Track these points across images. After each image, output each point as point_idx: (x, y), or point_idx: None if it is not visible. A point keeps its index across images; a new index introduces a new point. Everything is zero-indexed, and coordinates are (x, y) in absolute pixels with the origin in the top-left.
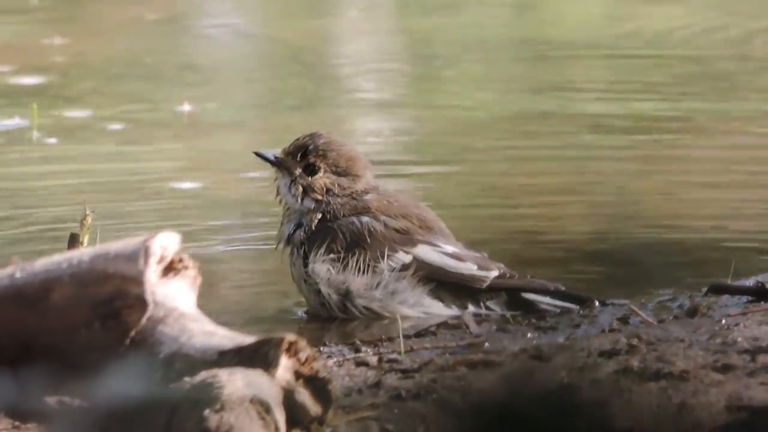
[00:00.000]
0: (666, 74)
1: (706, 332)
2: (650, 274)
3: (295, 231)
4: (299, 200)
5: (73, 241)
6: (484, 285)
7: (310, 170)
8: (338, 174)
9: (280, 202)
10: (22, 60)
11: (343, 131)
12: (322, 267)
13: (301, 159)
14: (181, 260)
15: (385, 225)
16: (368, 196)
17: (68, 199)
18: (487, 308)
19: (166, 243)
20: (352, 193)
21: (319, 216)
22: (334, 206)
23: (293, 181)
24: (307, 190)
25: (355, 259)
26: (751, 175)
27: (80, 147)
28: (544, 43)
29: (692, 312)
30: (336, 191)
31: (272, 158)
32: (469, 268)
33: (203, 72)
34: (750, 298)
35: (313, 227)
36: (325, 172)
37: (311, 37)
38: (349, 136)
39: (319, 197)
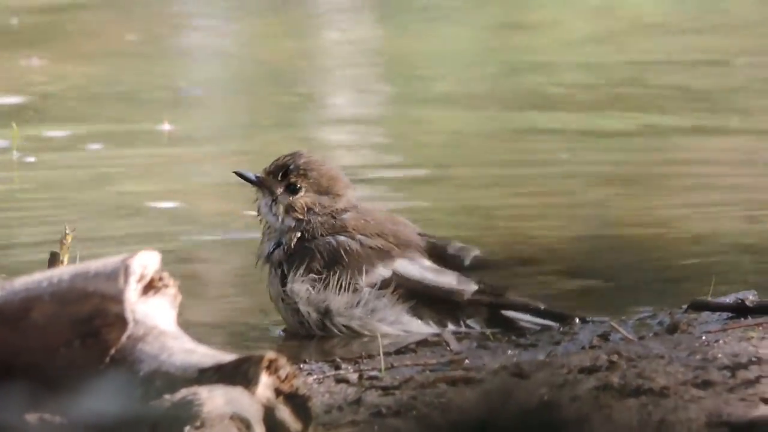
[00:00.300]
0: (643, 92)
1: (686, 349)
2: (630, 291)
3: (274, 250)
4: (280, 219)
5: (54, 259)
6: (464, 298)
7: (292, 189)
8: (319, 193)
9: (261, 221)
10: (0, 80)
11: (322, 150)
12: (301, 287)
13: (282, 178)
14: (161, 279)
15: (361, 243)
16: (346, 215)
17: (48, 218)
18: (467, 326)
19: (146, 261)
20: (333, 211)
21: (298, 235)
22: (314, 225)
23: (274, 201)
24: (288, 210)
25: (334, 278)
26: (731, 193)
27: (60, 166)
28: (524, 60)
29: (672, 329)
30: (317, 210)
31: (253, 178)
32: (449, 281)
33: (183, 92)
34: (730, 314)
35: (293, 246)
36: (307, 191)
37: (291, 57)
38: (328, 155)
39: (300, 216)
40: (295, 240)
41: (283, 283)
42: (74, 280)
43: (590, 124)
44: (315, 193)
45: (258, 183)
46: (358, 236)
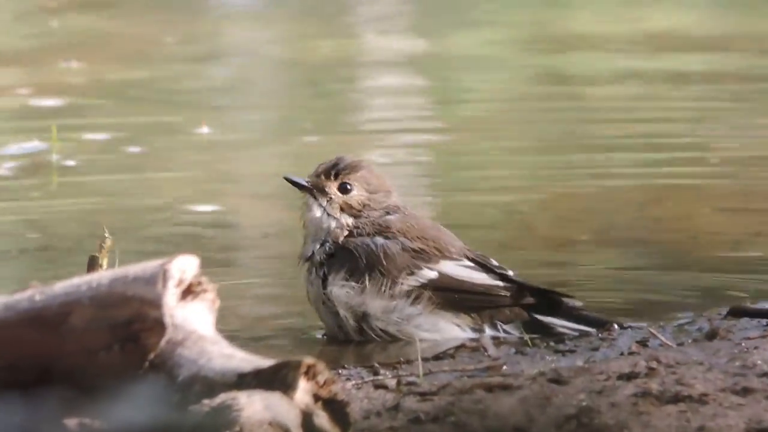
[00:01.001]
0: (684, 96)
1: (725, 355)
2: (669, 297)
3: (316, 250)
4: (335, 218)
5: (93, 264)
6: (506, 299)
7: (344, 188)
8: (370, 191)
9: (306, 224)
10: (40, 83)
11: (360, 152)
12: (340, 291)
13: (335, 178)
14: (199, 283)
15: (402, 246)
16: (391, 216)
17: (87, 222)
18: (505, 331)
19: (184, 266)
20: (388, 207)
21: (342, 236)
22: (363, 223)
23: (329, 201)
24: (344, 208)
25: (373, 282)
26: None
27: (99, 169)
28: (562, 63)
29: (711, 335)
30: (373, 206)
31: (305, 183)
32: (492, 282)
33: (222, 94)
34: None
35: (332, 248)
36: (359, 189)
37: (330, 60)
38: (367, 157)
39: (357, 213)
40: (342, 238)
41: (324, 286)
42: (113, 285)
43: (627, 129)
44: (367, 191)
45: (309, 187)
46: (400, 238)
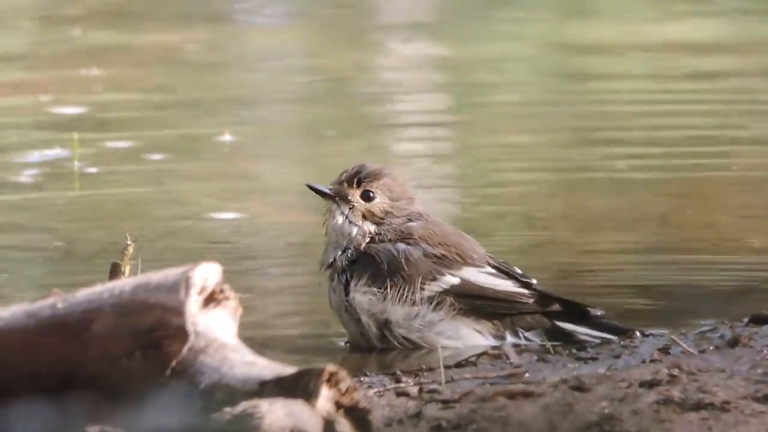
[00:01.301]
0: (705, 99)
1: (747, 362)
2: (691, 304)
3: (339, 257)
4: (357, 226)
5: (115, 271)
6: (529, 306)
7: (367, 196)
8: (392, 198)
9: (328, 232)
10: (61, 90)
11: (382, 160)
12: (363, 297)
13: (357, 186)
14: (222, 291)
15: (424, 252)
16: (414, 223)
17: (109, 229)
18: (526, 338)
19: (207, 273)
20: (410, 214)
21: (364, 243)
22: (385, 230)
23: (351, 209)
24: (366, 215)
25: (394, 289)
26: None
27: (121, 177)
28: (584, 70)
29: (733, 342)
30: (396, 213)
31: (327, 191)
32: (514, 289)
33: (244, 101)
34: None
35: (355, 255)
36: (382, 197)
37: (352, 67)
38: (389, 164)
39: (380, 221)
40: (364, 245)
41: (347, 292)
42: (135, 292)
43: (649, 134)
44: (389, 198)
45: (332, 195)
46: (422, 244)
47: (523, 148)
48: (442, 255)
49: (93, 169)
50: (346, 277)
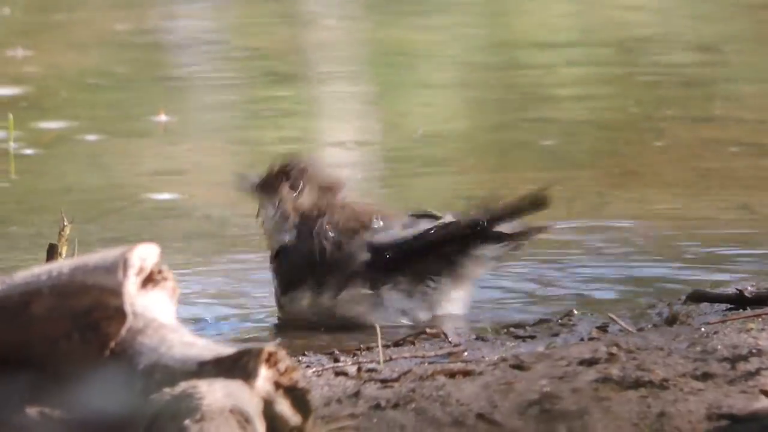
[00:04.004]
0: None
1: (685, 340)
2: (629, 282)
3: (276, 253)
4: (285, 221)
5: (52, 252)
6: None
7: (295, 188)
8: (321, 191)
9: (263, 223)
10: None
11: (319, 141)
12: (292, 306)
13: (285, 179)
14: (160, 271)
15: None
16: (335, 211)
17: (46, 210)
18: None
19: (145, 254)
20: (332, 206)
21: (286, 245)
22: (311, 225)
23: (279, 202)
24: (294, 209)
25: (318, 285)
26: (727, 182)
27: (57, 158)
28: (517, 49)
29: (672, 320)
30: (322, 207)
31: (256, 181)
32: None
33: (178, 82)
34: (729, 305)
35: (277, 264)
36: (310, 190)
37: (287, 46)
38: (323, 146)
39: (308, 215)
40: (289, 239)
41: (279, 299)
42: (73, 274)
43: (586, 112)
44: (317, 191)
45: (261, 186)
46: (333, 222)
47: (458, 125)
48: (354, 227)
49: (29, 151)
50: (276, 283)
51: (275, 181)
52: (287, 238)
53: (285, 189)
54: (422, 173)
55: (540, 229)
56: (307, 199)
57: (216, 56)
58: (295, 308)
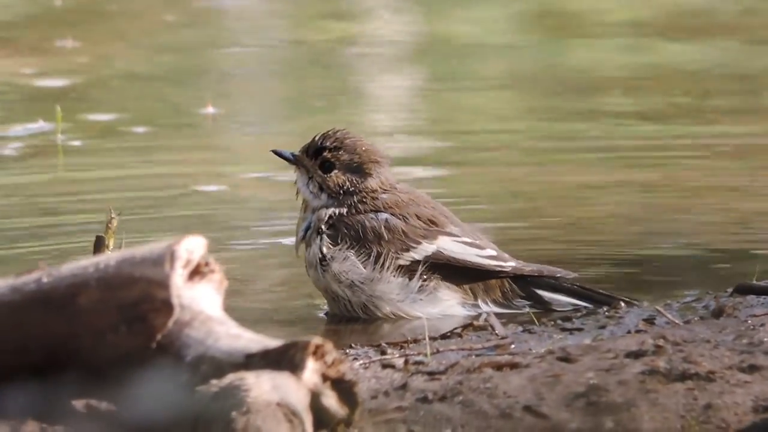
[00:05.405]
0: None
1: (731, 333)
2: (675, 275)
3: (309, 229)
4: (316, 197)
5: (99, 244)
6: (508, 271)
7: (326, 167)
8: (352, 171)
9: (299, 195)
10: (42, 63)
11: (366, 131)
12: (341, 266)
13: (317, 156)
14: (207, 264)
15: (405, 221)
16: (384, 196)
17: (94, 203)
18: (506, 307)
19: (192, 247)
20: (365, 189)
21: (335, 212)
22: (350, 203)
23: (310, 178)
24: (322, 187)
25: (371, 258)
26: None
27: (105, 150)
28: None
29: (718, 312)
30: (350, 188)
31: (290, 157)
32: (490, 256)
33: (227, 74)
34: None
35: (328, 225)
36: (340, 169)
37: (336, 39)
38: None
39: (334, 194)
40: (331, 218)
41: (323, 265)
42: (121, 266)
43: (632, 106)
44: (348, 171)
45: (294, 161)
46: (398, 214)
47: (503, 120)
48: (420, 225)
49: (77, 142)
50: (321, 250)
51: (307, 158)
52: (322, 204)
53: (315, 166)
54: (470, 165)
55: (606, 301)
56: (336, 176)
57: (265, 48)
58: (333, 266)
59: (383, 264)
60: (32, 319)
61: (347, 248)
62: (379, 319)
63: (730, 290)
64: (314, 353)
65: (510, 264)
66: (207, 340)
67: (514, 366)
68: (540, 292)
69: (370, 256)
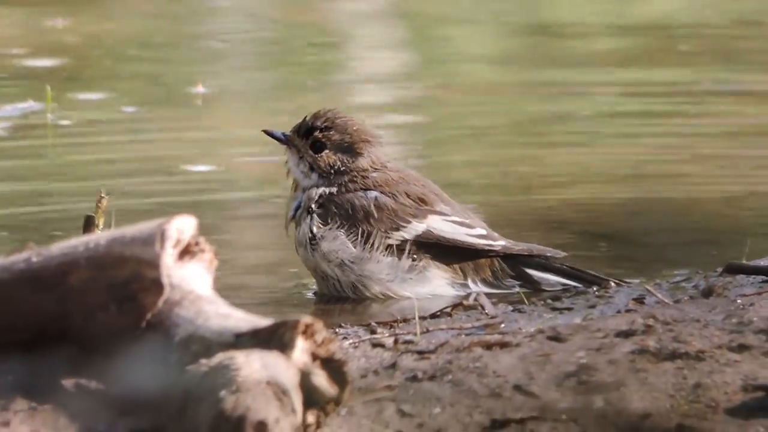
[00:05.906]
0: (671, 51)
1: (721, 312)
2: (665, 254)
3: (299, 208)
4: (306, 177)
5: (89, 223)
6: (498, 251)
7: (317, 147)
8: (343, 151)
9: (289, 174)
10: (32, 43)
11: (355, 109)
12: (330, 245)
13: (308, 136)
14: (197, 243)
15: (395, 199)
16: (374, 174)
17: (83, 182)
18: (496, 287)
19: (182, 226)
20: (356, 169)
21: (325, 192)
22: (340, 183)
23: (301, 158)
24: (313, 167)
25: (360, 237)
26: (765, 154)
27: (94, 129)
28: (552, 20)
29: (708, 292)
30: (340, 167)
31: (281, 136)
32: (479, 235)
33: (217, 54)
34: (765, 277)
35: (318, 204)
36: (330, 149)
37: (325, 18)
38: (359, 114)
39: (324, 173)
40: (322, 198)
41: (312, 244)
42: (111, 245)
43: (622, 82)
44: (339, 150)
45: (285, 141)
46: (388, 192)
47: (491, 96)
48: (409, 203)
49: (66, 122)
50: (311, 228)
51: (297, 138)
52: (312, 184)
53: (306, 146)
54: (461, 143)
55: (595, 282)
56: (327, 156)
57: (254, 27)
58: (323, 245)
59: (373, 243)
60: (22, 298)
61: (337, 227)
62: (369, 298)
63: (720, 270)
64: (304, 332)
65: (500, 243)
66: (197, 319)
67: (503, 345)
68: (530, 271)
69: (359, 236)
